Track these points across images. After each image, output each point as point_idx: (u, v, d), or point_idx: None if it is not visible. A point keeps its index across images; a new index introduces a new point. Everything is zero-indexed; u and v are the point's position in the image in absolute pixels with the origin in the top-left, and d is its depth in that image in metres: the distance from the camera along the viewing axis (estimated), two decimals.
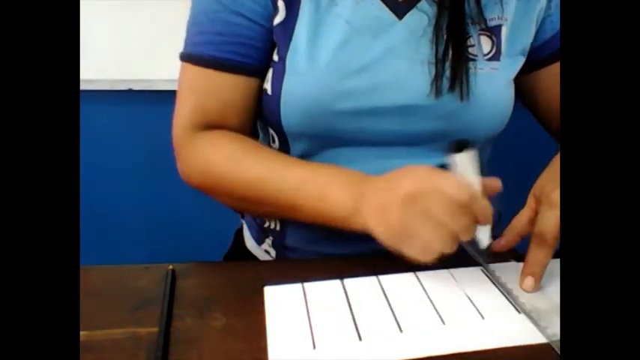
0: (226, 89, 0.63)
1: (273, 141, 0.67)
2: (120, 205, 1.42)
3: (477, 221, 0.49)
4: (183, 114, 0.65)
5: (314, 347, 0.45)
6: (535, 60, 0.68)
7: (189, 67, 0.64)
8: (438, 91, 0.60)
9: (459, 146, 0.50)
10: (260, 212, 0.67)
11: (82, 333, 0.46)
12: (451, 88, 0.60)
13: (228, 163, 0.61)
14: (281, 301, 0.51)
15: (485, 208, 0.49)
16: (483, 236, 0.52)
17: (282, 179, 0.59)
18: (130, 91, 1.29)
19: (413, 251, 0.50)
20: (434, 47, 0.61)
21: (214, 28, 0.62)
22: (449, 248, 0.49)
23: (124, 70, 1.28)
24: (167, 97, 1.27)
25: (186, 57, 0.65)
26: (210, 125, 0.64)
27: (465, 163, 0.50)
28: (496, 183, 0.52)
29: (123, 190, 1.40)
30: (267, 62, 0.63)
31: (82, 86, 1.24)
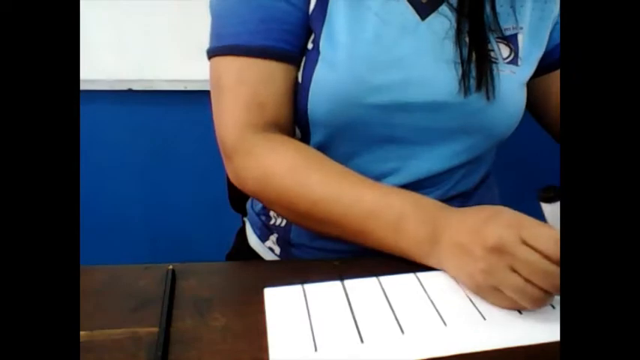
0: (279, 79, 0.60)
1: None
2: (120, 205, 1.42)
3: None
4: (235, 112, 0.60)
5: (315, 349, 0.45)
6: (544, 64, 0.69)
7: (234, 59, 0.60)
8: (466, 90, 0.61)
9: (548, 194, 0.45)
10: (320, 231, 0.64)
11: (82, 333, 0.46)
12: (478, 87, 0.62)
13: (293, 176, 0.57)
14: (281, 303, 0.51)
15: None
16: None
17: (352, 202, 0.55)
18: (130, 91, 1.30)
19: (494, 301, 0.49)
20: (457, 49, 0.62)
21: (257, 16, 0.59)
22: (536, 306, 0.47)
23: (124, 70, 1.28)
24: (167, 97, 1.28)
25: (228, 49, 0.60)
26: (267, 122, 0.60)
27: (555, 213, 0.45)
28: None
29: (123, 190, 1.41)
30: (304, 50, 0.63)
31: (82, 86, 1.24)
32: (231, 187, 0.91)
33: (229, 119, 0.60)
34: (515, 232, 0.46)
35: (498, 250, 0.46)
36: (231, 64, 0.60)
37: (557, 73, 0.69)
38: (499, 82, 0.63)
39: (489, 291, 0.48)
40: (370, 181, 0.57)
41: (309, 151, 0.60)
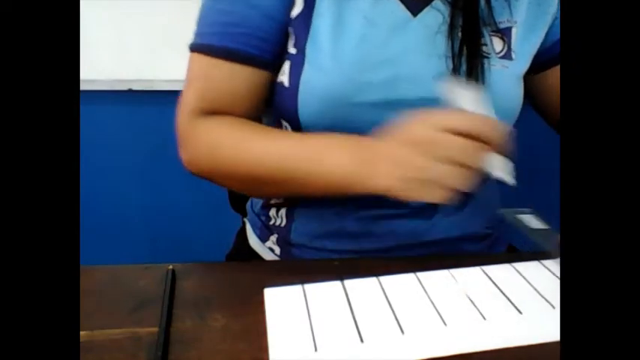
0: (236, 80, 0.63)
1: None
2: (120, 205, 1.42)
3: (488, 148, 0.50)
4: (188, 100, 0.64)
5: (315, 349, 0.45)
6: (544, 59, 0.69)
7: (199, 56, 0.63)
8: None
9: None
10: (266, 193, 0.65)
11: (82, 333, 0.46)
12: (467, 81, 0.61)
13: (234, 143, 0.61)
14: (281, 303, 0.51)
15: (494, 132, 0.50)
16: (497, 165, 0.52)
17: (282, 153, 0.59)
18: (130, 91, 1.30)
19: (428, 194, 0.51)
20: (449, 43, 0.62)
21: (226, 19, 0.62)
22: (463, 183, 0.50)
23: (124, 70, 1.28)
24: (167, 97, 1.28)
25: (196, 47, 0.64)
26: (216, 112, 0.63)
27: (469, 99, 0.51)
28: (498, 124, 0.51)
29: (123, 190, 1.41)
30: (279, 56, 0.63)
31: (82, 86, 1.24)
32: None
33: (184, 107, 0.64)
34: (428, 123, 0.51)
35: (418, 144, 0.50)
36: (198, 60, 0.64)
37: (556, 69, 0.69)
38: (490, 76, 0.63)
39: (427, 187, 0.51)
40: (301, 134, 0.61)
41: (250, 122, 0.63)
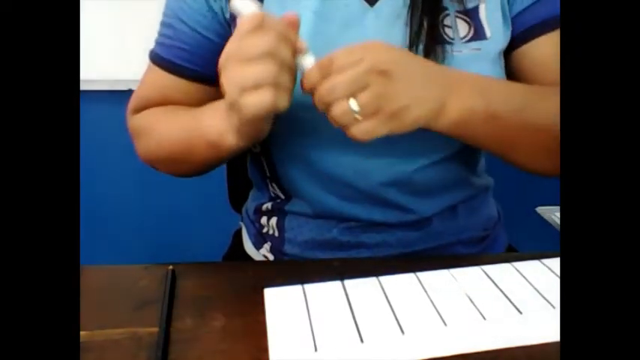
0: (167, 87, 0.66)
1: None
2: (120, 205, 1.42)
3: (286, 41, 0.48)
4: (131, 99, 0.69)
5: (315, 349, 0.45)
6: (519, 31, 0.63)
7: (149, 62, 0.68)
8: None
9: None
10: (188, 168, 0.67)
11: (82, 333, 0.46)
12: None
13: (149, 131, 0.65)
14: (281, 303, 0.51)
15: (284, 29, 0.49)
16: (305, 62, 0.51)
17: (177, 125, 0.62)
18: (130, 91, 1.29)
19: (254, 105, 0.48)
20: (408, 29, 0.59)
21: (165, 31, 0.66)
22: (280, 77, 0.48)
23: (124, 70, 1.28)
24: None
25: (150, 52, 0.69)
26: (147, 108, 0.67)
27: (248, 6, 0.50)
28: (292, 17, 0.50)
29: (123, 190, 1.40)
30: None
31: (82, 86, 1.24)
32: (231, 187, 0.91)
33: (129, 106, 0.69)
34: (228, 46, 0.49)
35: (224, 68, 0.49)
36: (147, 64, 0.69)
37: (536, 42, 0.62)
38: (454, 63, 0.58)
39: (256, 93, 0.48)
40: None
41: (165, 107, 0.66)
